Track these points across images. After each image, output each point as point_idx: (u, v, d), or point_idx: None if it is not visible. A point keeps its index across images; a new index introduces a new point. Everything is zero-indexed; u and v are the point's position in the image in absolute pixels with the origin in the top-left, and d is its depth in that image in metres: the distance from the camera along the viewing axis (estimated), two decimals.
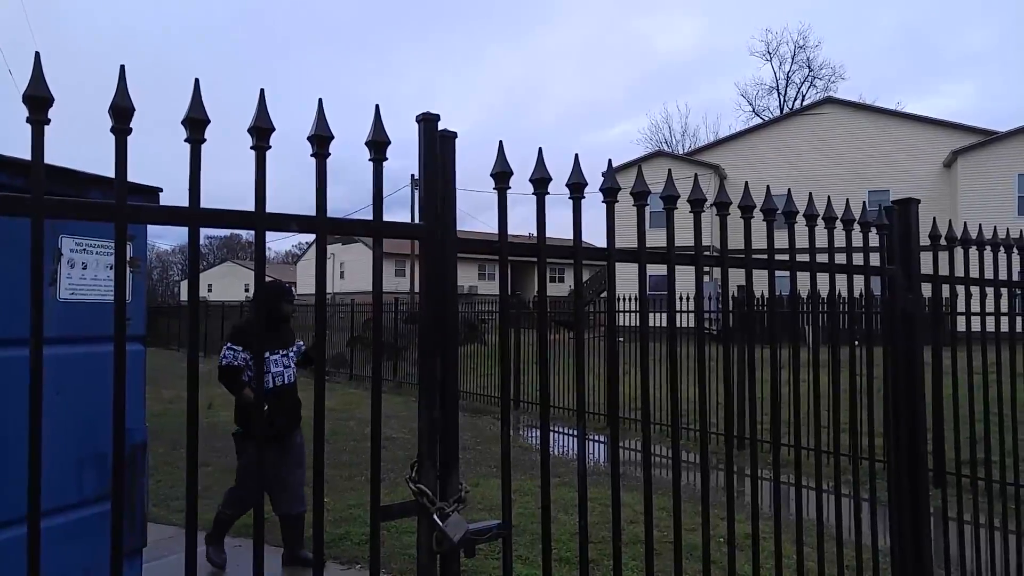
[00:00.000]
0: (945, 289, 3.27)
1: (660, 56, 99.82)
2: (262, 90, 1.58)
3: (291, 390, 5.44)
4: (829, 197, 2.59)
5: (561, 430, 11.01)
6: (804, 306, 7.30)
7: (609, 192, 2.04)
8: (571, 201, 2.00)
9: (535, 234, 1.95)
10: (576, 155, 1.97)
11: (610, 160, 2.03)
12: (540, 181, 1.90)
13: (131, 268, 3.05)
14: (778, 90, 55.71)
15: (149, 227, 2.99)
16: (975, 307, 3.53)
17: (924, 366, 2.94)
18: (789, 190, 2.45)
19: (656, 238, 1.92)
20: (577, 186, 1.99)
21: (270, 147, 1.61)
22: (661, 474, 8.36)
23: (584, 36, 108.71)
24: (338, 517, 6.43)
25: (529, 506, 6.50)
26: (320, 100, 1.63)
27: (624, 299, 10.76)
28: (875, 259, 2.87)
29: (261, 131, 1.59)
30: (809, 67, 55.64)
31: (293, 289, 5.64)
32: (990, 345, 3.40)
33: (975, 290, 3.42)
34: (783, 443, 5.11)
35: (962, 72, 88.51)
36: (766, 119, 44.11)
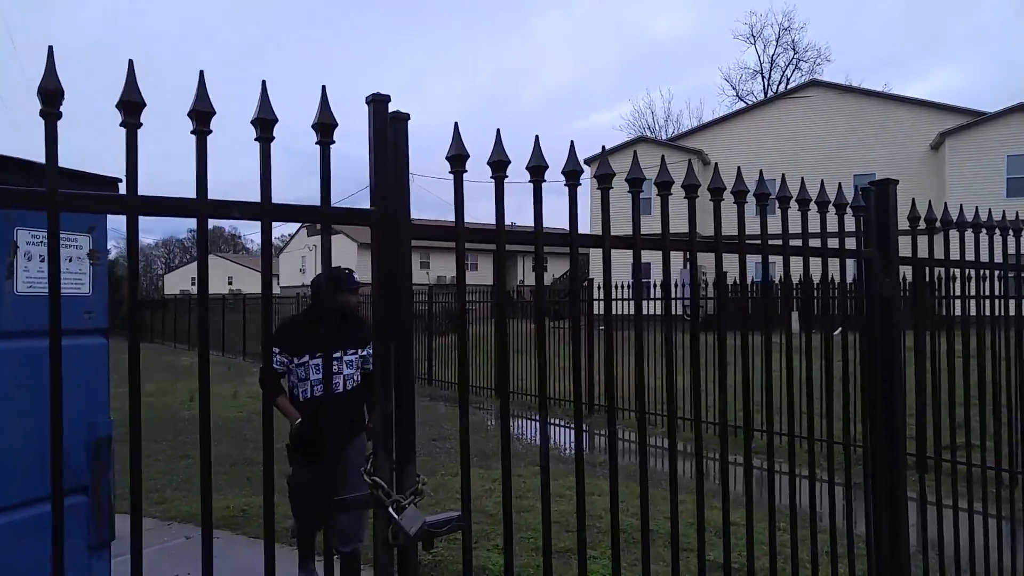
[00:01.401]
0: (933, 273, 3.23)
1: (650, 42, 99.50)
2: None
3: (345, 401, 4.51)
4: (803, 179, 2.52)
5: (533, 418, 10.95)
6: (777, 291, 7.28)
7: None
8: (532, 185, 1.94)
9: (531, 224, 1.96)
10: (536, 137, 1.93)
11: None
12: (498, 164, 1.86)
13: (91, 261, 2.96)
14: (762, 74, 55.55)
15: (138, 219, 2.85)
16: (958, 290, 3.48)
17: (902, 350, 2.90)
18: (761, 172, 2.39)
19: (622, 226, 1.88)
20: (537, 169, 1.95)
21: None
22: (632, 460, 8.34)
23: (576, 24, 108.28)
24: None
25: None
26: (264, 82, 1.56)
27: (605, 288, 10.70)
28: (854, 243, 2.82)
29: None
30: (794, 50, 55.54)
31: (354, 275, 4.73)
32: (972, 329, 3.35)
33: (961, 273, 3.38)
34: (756, 429, 5.07)
35: (952, 56, 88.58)
36: (749, 103, 44.07)
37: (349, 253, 43.46)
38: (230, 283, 64.88)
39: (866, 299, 2.85)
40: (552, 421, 10.74)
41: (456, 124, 1.80)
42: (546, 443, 1.99)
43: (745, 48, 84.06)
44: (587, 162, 24.93)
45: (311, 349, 4.44)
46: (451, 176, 1.82)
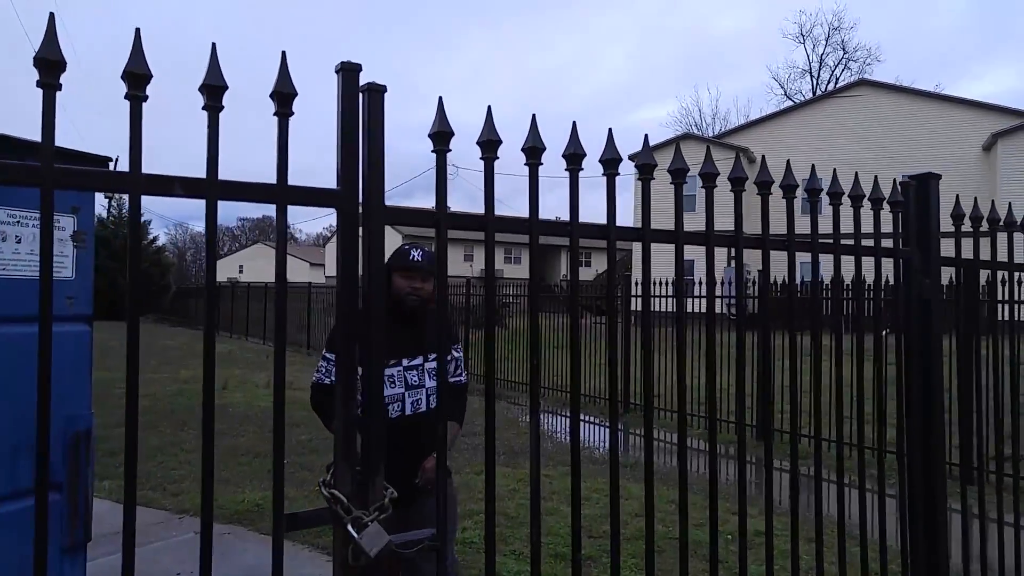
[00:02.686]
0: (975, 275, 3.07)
1: (703, 40, 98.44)
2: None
3: (418, 427, 3.19)
4: (835, 170, 2.40)
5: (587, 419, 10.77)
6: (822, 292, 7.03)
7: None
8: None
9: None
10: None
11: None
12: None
13: (76, 243, 2.79)
14: (811, 73, 54.64)
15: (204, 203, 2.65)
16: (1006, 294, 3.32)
17: (941, 355, 2.76)
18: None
19: (664, 223, 1.80)
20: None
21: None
22: (668, 462, 8.18)
23: (638, 20, 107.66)
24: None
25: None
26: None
27: (658, 283, 10.60)
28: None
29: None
30: (844, 49, 54.52)
31: (424, 253, 3.33)
32: (1021, 334, 3.19)
33: (1009, 276, 3.21)
34: (803, 434, 4.91)
35: (1007, 58, 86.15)
36: (797, 102, 43.27)
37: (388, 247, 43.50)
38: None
39: (904, 301, 2.71)
40: (587, 418, 10.61)
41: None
42: (577, 447, 1.87)
43: (795, 47, 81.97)
44: (631, 158, 24.46)
45: (388, 353, 3.08)
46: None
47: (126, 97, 1.35)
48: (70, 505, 2.67)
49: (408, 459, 3.12)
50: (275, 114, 1.48)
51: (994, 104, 32.06)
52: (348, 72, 1.51)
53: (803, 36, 65.36)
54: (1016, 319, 3.18)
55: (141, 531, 5.11)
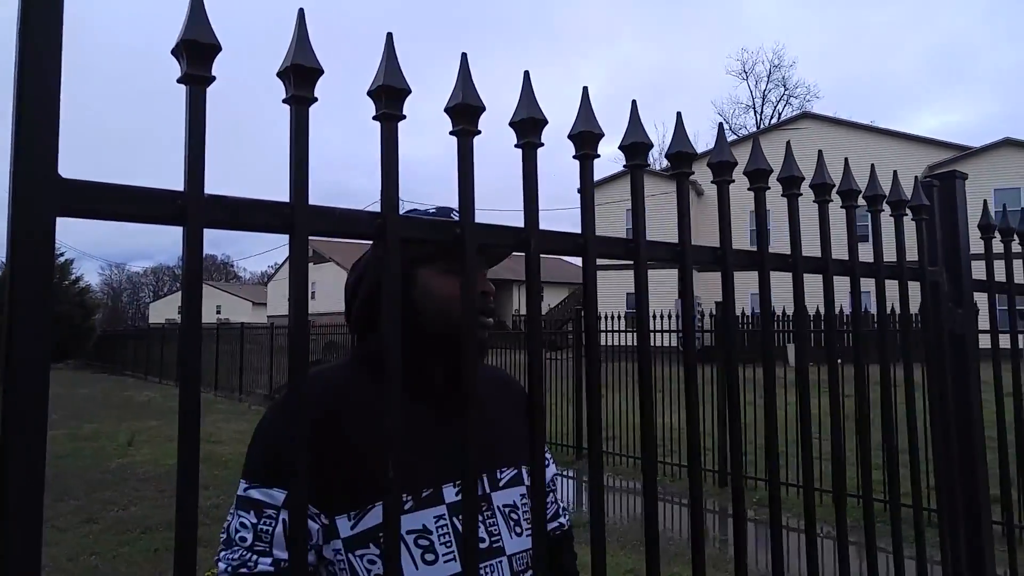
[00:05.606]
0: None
1: (639, 75, 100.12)
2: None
3: None
4: (846, 159, 1.72)
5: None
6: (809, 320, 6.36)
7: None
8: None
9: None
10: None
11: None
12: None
13: None
14: (754, 108, 55.69)
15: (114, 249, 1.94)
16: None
17: (980, 402, 2.08)
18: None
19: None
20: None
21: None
22: (623, 515, 7.44)
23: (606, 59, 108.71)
24: None
25: None
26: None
27: (605, 318, 9.94)
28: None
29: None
30: (784, 86, 55.76)
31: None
32: None
33: None
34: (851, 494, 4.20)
35: (937, 97, 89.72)
36: (741, 135, 43.88)
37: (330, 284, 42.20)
38: (218, 312, 63.89)
39: (934, 335, 2.02)
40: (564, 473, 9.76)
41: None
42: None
43: (737, 84, 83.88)
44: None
45: (413, 479, 1.34)
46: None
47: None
48: None
49: None
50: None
51: (929, 137, 33.01)
52: None
53: (746, 73, 66.77)
54: None
55: None
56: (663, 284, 29.11)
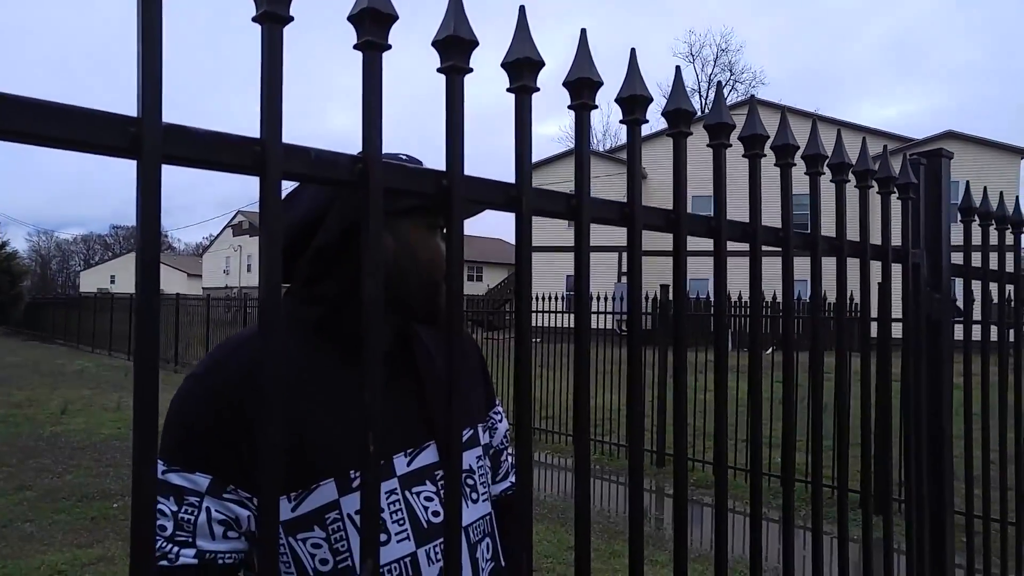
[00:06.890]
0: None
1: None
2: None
3: None
4: (839, 130, 1.64)
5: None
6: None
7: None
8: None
9: None
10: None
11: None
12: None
13: None
14: (699, 93, 55.83)
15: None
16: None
17: (951, 390, 2.03)
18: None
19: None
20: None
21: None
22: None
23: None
24: None
25: None
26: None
27: (542, 298, 9.88)
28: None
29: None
30: (731, 71, 56.22)
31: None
32: None
33: None
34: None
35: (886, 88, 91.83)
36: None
37: None
38: (112, 282, 62.38)
39: (913, 320, 1.95)
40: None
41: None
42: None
43: (684, 67, 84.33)
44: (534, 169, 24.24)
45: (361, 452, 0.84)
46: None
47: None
48: None
49: None
50: None
51: (873, 128, 33.59)
52: None
53: (692, 56, 67.10)
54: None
55: None
56: (601, 263, 29.36)
